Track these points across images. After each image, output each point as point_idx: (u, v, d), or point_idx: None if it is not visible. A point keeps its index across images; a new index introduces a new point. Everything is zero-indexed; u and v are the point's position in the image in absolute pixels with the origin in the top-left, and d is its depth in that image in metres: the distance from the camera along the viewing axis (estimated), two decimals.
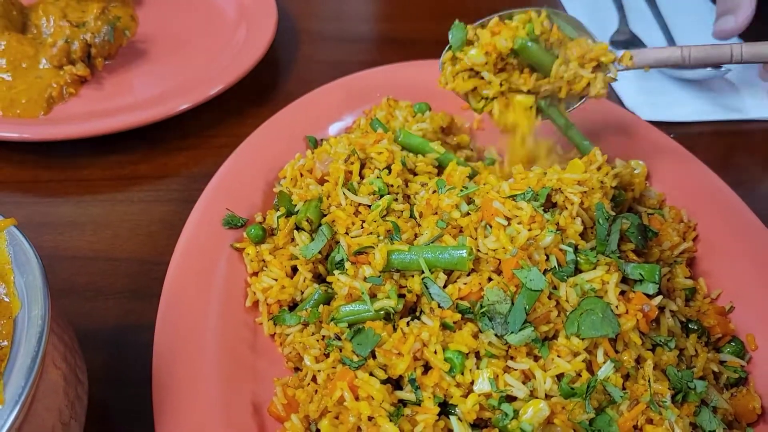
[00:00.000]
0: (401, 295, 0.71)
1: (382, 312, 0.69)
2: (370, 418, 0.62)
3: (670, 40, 1.28)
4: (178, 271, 0.78)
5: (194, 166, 1.00)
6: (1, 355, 0.61)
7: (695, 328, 0.75)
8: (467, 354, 0.64)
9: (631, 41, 1.29)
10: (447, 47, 0.87)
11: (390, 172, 0.84)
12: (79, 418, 0.64)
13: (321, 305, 0.74)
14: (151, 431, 0.65)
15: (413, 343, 0.64)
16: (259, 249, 0.82)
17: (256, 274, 0.81)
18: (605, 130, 1.00)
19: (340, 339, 0.70)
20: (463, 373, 0.63)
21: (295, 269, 0.80)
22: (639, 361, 0.68)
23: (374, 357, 0.67)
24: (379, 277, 0.71)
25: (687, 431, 0.64)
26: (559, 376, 0.64)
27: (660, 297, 0.71)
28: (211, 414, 0.66)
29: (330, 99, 1.03)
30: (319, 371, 0.69)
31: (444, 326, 0.66)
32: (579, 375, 0.64)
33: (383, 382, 0.65)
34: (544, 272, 0.67)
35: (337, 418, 0.65)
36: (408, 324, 0.67)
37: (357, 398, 0.64)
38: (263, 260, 0.81)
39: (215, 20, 1.27)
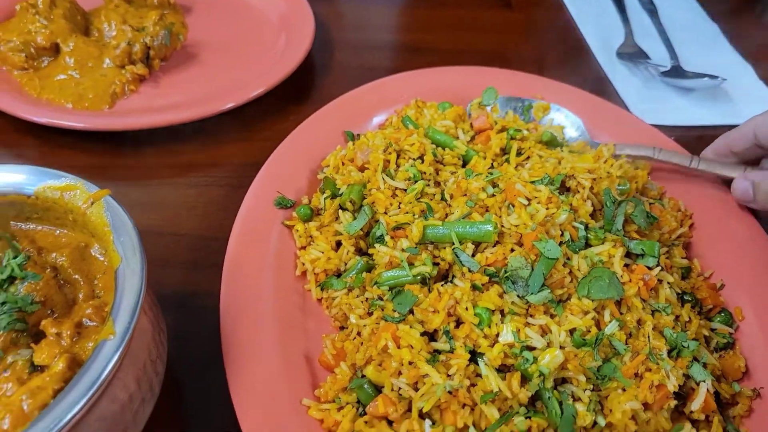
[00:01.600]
0: (435, 264, 0.82)
1: (419, 277, 0.80)
2: (410, 363, 0.73)
3: (672, 54, 1.40)
4: (237, 244, 0.89)
5: (243, 157, 1.12)
6: (100, 303, 0.72)
7: (689, 299, 0.86)
8: (493, 311, 0.75)
9: (637, 54, 1.41)
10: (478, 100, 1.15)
11: (423, 162, 0.95)
12: (162, 358, 0.76)
13: (364, 273, 0.85)
14: (217, 378, 0.75)
15: (447, 300, 0.76)
16: (307, 226, 0.93)
17: (304, 248, 0.92)
18: (613, 132, 1.12)
19: (382, 299, 0.81)
20: (490, 327, 0.74)
21: (339, 244, 0.91)
22: (640, 322, 0.79)
23: (412, 314, 0.78)
24: (416, 248, 0.82)
25: (680, 380, 0.74)
26: (572, 331, 0.74)
27: (659, 268, 0.82)
28: (271, 363, 0.77)
29: (364, 99, 1.15)
30: (364, 326, 0.80)
31: (473, 287, 0.77)
32: (588, 331, 0.75)
33: (420, 335, 0.76)
34: (560, 244, 0.78)
35: (380, 365, 0.76)
36: (442, 286, 0.79)
37: (398, 347, 0.75)
38: (311, 236, 0.92)
39: (258, 29, 1.39)
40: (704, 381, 0.76)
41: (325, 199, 0.94)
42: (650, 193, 1.01)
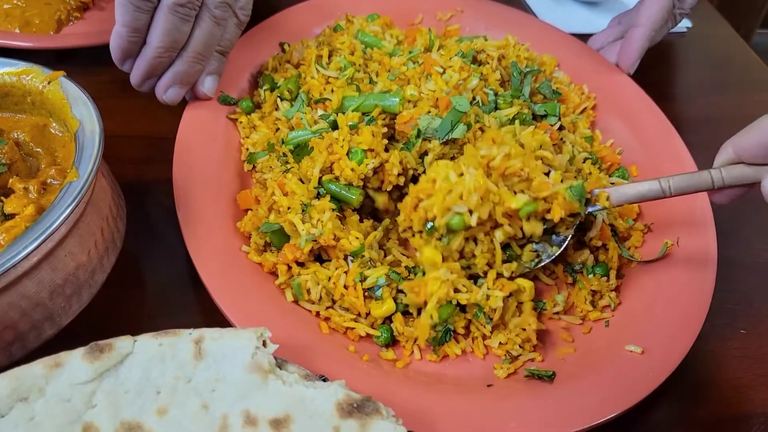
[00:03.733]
0: None
1: (318, 132, 0.90)
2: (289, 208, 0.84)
3: None
4: (186, 134, 0.97)
5: None
6: (62, 168, 0.80)
7: (591, 157, 0.98)
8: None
9: None
10: None
11: (353, 55, 1.05)
12: (122, 219, 0.84)
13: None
14: (173, 240, 0.84)
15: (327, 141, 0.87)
16: (249, 118, 1.01)
17: (248, 137, 1.01)
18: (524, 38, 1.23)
19: (286, 156, 0.91)
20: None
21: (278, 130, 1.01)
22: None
23: None
24: (329, 115, 0.92)
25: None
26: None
27: (559, 123, 0.94)
28: (222, 209, 0.87)
29: (300, 16, 1.23)
30: (269, 178, 0.90)
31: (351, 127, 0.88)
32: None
33: None
34: (471, 103, 0.89)
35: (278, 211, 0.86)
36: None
37: (286, 194, 0.86)
38: (254, 126, 1.01)
39: None
40: (601, 213, 0.88)
41: (264, 91, 1.03)
42: (557, 80, 1.13)
